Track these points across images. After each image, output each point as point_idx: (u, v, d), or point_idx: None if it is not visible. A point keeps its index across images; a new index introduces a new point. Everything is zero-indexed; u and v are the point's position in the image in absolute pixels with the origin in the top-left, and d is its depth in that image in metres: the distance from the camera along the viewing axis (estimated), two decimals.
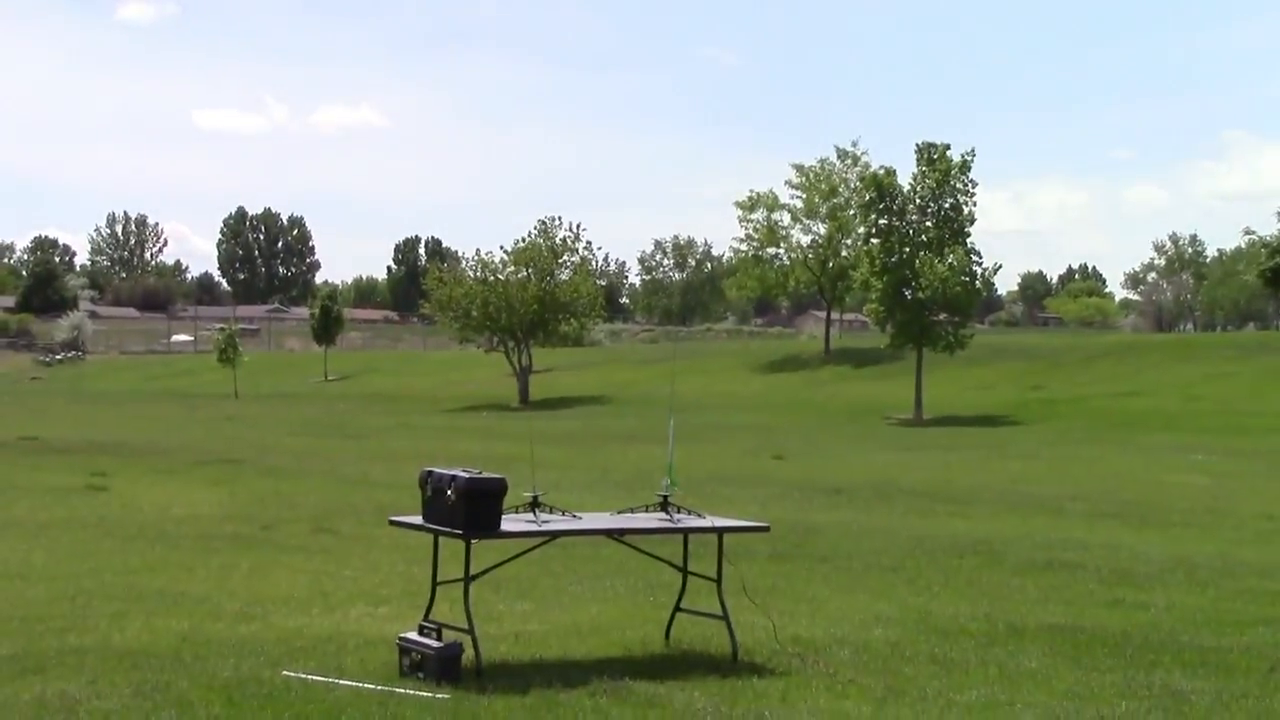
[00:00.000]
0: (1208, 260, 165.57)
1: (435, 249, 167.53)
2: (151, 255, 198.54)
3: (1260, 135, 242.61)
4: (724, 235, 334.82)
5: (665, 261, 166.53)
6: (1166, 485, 25.25)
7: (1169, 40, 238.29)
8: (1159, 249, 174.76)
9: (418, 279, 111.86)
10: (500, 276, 63.95)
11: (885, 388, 56.43)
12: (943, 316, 51.62)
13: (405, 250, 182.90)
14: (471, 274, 65.45)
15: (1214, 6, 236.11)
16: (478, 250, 72.90)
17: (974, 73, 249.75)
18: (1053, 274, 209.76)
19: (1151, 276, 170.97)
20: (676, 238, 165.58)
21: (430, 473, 8.83)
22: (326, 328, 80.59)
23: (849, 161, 69.46)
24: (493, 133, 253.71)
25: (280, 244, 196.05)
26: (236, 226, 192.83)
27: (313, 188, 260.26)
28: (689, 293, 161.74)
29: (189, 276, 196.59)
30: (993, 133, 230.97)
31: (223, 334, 73.08)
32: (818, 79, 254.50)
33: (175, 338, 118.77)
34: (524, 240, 65.15)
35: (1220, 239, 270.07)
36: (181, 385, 76.30)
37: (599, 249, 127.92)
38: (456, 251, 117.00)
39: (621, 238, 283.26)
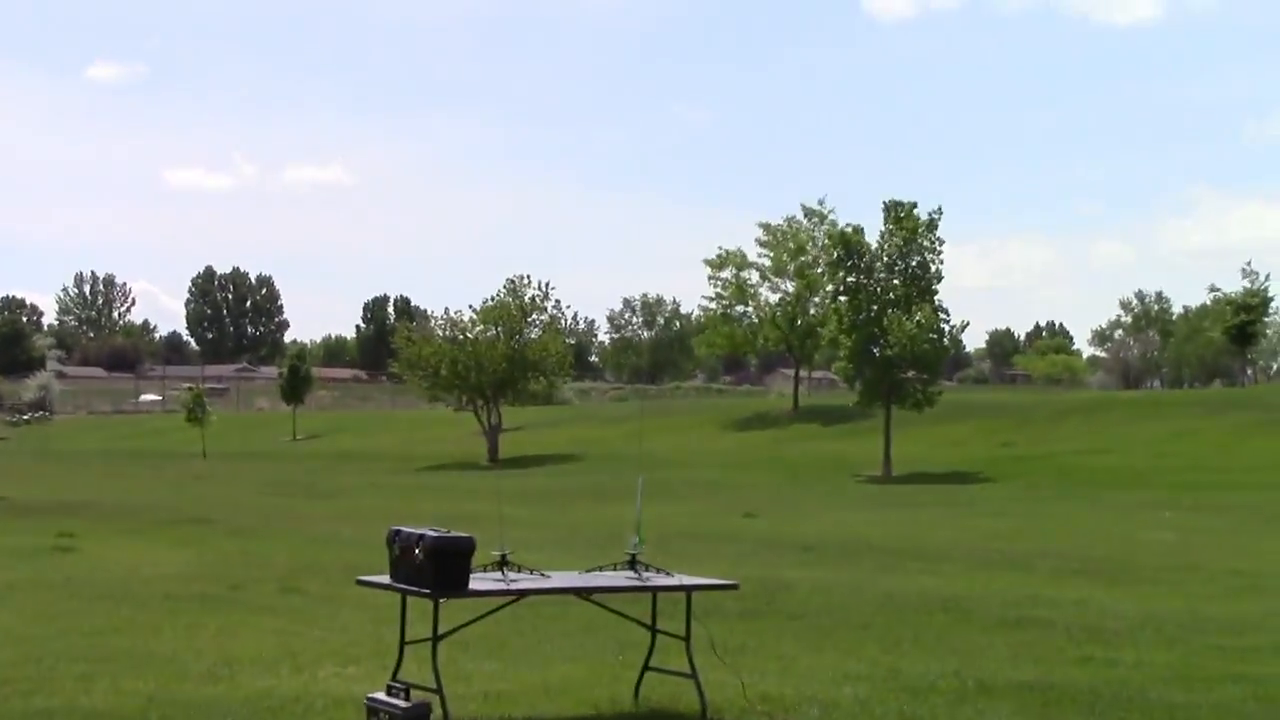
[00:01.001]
0: (1174, 317, 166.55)
1: (404, 308, 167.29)
2: (119, 315, 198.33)
3: (1226, 191, 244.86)
4: (693, 293, 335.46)
5: (634, 320, 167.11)
6: (1135, 541, 25.32)
7: (1135, 97, 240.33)
8: (1125, 306, 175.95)
9: (386, 338, 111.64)
10: (469, 335, 63.96)
11: (854, 445, 56.50)
12: (911, 374, 51.79)
13: (374, 309, 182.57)
14: (440, 333, 65.46)
15: (1179, 63, 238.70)
16: (446, 309, 73.18)
17: (940, 130, 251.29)
18: (1020, 331, 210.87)
19: (1118, 334, 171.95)
20: (645, 296, 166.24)
21: (398, 532, 8.80)
22: (295, 387, 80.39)
23: (816, 220, 69.88)
24: (461, 191, 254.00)
25: (249, 303, 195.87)
26: (205, 286, 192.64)
27: (281, 246, 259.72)
28: (658, 351, 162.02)
29: (157, 336, 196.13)
30: (959, 189, 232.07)
31: (191, 394, 72.76)
32: (785, 137, 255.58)
33: (143, 397, 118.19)
34: (493, 299, 65.25)
35: (1186, 296, 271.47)
36: (149, 445, 75.78)
37: (568, 307, 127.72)
38: (425, 310, 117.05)
39: (590, 296, 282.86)
